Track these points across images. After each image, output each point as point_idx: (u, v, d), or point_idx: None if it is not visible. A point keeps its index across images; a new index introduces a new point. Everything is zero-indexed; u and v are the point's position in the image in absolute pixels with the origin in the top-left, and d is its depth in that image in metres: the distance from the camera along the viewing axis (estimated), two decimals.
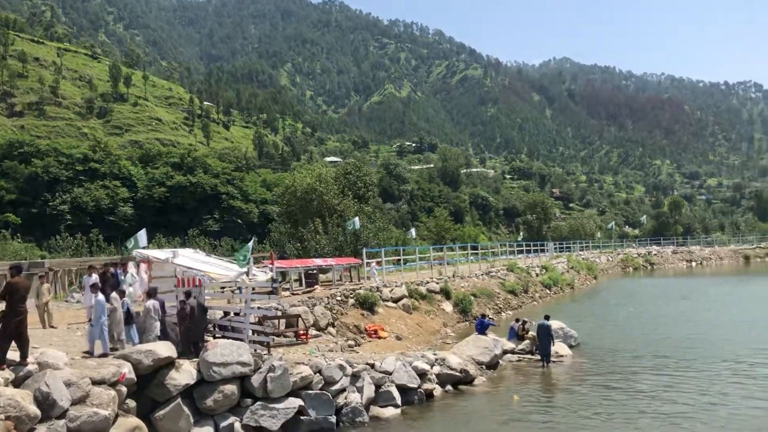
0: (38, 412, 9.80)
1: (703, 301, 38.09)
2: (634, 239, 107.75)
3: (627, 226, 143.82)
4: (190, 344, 14.54)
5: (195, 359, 13.36)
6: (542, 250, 58.99)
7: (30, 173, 66.96)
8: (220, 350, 13.30)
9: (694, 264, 78.88)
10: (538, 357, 21.12)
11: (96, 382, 11.13)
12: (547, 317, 21.17)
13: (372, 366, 15.74)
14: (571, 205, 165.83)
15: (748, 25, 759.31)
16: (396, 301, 27.29)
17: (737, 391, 16.13)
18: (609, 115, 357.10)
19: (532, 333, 22.48)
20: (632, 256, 77.91)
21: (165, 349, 12.73)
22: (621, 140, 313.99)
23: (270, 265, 23.11)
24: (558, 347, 21.60)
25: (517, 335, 22.72)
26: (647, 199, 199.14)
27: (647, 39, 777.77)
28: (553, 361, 20.65)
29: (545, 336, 20.23)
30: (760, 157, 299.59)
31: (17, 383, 10.34)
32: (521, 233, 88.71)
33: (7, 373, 10.37)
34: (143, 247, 20.52)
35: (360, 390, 14.82)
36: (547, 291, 42.98)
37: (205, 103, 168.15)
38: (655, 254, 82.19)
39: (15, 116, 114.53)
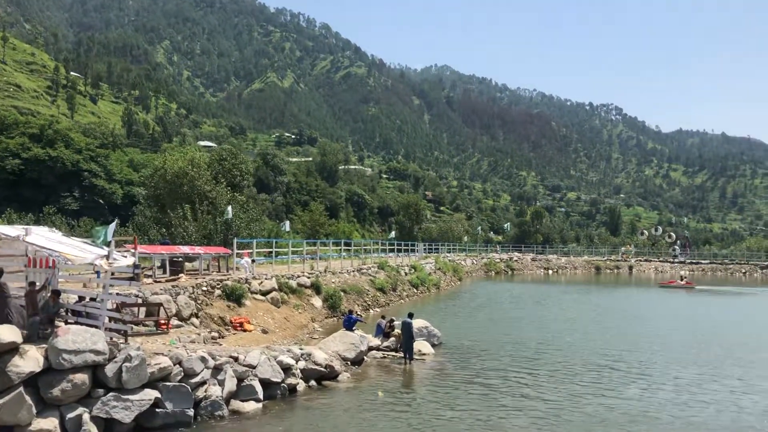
0: None
1: (557, 307, 40.59)
2: (498, 245, 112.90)
3: (492, 232, 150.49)
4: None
5: (44, 345, 12.44)
6: (412, 250, 60.44)
7: None
8: (72, 337, 12.46)
9: (550, 272, 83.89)
10: (401, 354, 21.65)
11: None
12: (410, 315, 21.66)
13: (235, 359, 15.38)
14: (441, 208, 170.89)
15: (614, 50, 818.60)
16: (265, 294, 26.87)
17: (586, 385, 17.31)
18: (483, 125, 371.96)
19: (397, 331, 22.94)
20: (495, 261, 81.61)
21: (8, 334, 11.75)
22: (492, 150, 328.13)
23: (132, 250, 22.00)
24: (421, 345, 22.19)
25: (383, 332, 23.09)
26: (512, 207, 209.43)
27: (522, 54, 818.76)
28: (416, 359, 21.19)
29: (408, 333, 20.73)
30: (615, 175, 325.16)
31: None
32: (393, 232, 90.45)
33: None
34: None
35: (221, 383, 14.43)
36: (415, 290, 44.07)
37: (71, 73, 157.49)
38: (516, 260, 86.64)
39: None
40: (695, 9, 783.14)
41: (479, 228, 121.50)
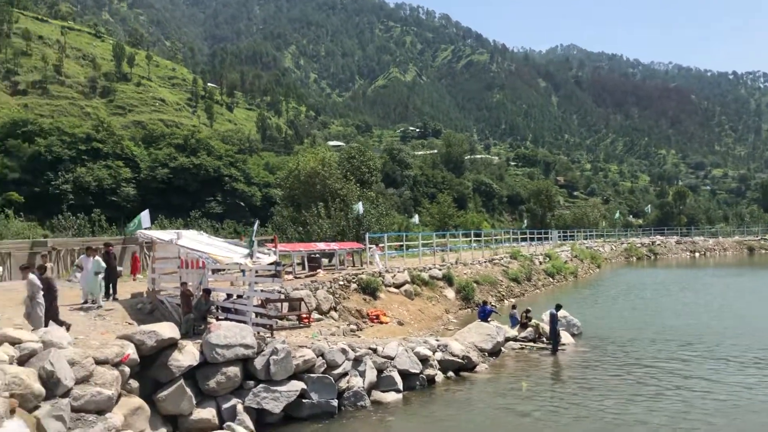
0: (43, 390, 9.81)
1: (705, 292, 38.02)
2: (638, 229, 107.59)
3: (631, 216, 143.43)
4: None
5: (198, 340, 13.38)
6: (546, 239, 58.92)
7: (33, 152, 66.86)
8: (224, 332, 13.30)
9: (697, 255, 78.76)
10: (541, 345, 21.26)
11: (99, 362, 11.13)
12: (558, 307, 21.23)
13: (374, 351, 15.75)
14: (575, 193, 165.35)
15: (758, 14, 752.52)
16: (398, 286, 27.29)
17: (737, 378, 16.12)
18: (615, 104, 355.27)
19: (535, 321, 22.50)
20: (636, 246, 77.78)
21: (168, 330, 12.73)
22: (627, 129, 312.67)
23: (273, 248, 23.10)
24: (562, 336, 21.62)
25: (519, 323, 22.72)
26: (652, 188, 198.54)
27: (655, 27, 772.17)
28: (557, 350, 20.71)
29: (553, 324, 20.36)
30: (766, 148, 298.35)
31: (22, 361, 10.34)
32: (525, 221, 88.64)
33: (12, 351, 10.37)
34: (146, 228, 20.47)
35: (362, 374, 14.84)
36: (551, 279, 42.97)
37: (208, 84, 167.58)
38: (658, 244, 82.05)
39: (18, 94, 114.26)
40: None
41: (617, 212, 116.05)
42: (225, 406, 12.72)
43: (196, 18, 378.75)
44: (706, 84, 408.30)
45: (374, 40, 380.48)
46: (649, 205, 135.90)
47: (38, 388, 9.73)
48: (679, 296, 36.22)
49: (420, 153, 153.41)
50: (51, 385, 9.99)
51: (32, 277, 13.24)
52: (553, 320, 20.52)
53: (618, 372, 17.62)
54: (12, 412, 9.07)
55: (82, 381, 10.63)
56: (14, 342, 10.68)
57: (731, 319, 26.63)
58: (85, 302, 16.90)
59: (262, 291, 17.85)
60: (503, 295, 34.30)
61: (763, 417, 13.39)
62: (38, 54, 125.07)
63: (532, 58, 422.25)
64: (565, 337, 21.80)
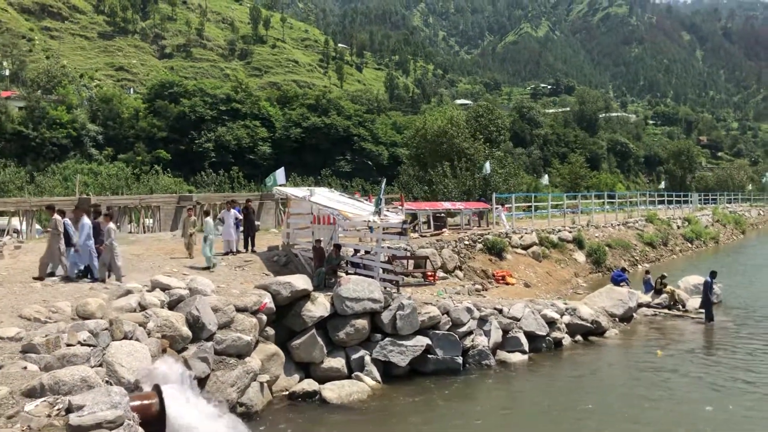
0: (190, 333, 10.64)
1: None
2: None
3: None
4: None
5: (329, 293, 13.93)
6: (685, 202, 55.58)
7: (178, 112, 71.22)
8: (353, 286, 13.74)
9: None
10: (677, 312, 20.34)
11: (239, 309, 11.89)
12: (713, 274, 19.91)
13: (500, 311, 15.69)
14: (719, 154, 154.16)
15: None
16: (525, 248, 26.85)
17: None
18: None
19: (670, 287, 21.43)
20: None
21: (302, 282, 13.33)
22: None
23: (400, 207, 23.41)
24: (696, 302, 20.45)
25: (654, 289, 21.71)
26: None
27: None
28: (693, 317, 19.68)
29: (706, 292, 19.31)
30: None
31: (171, 306, 11.25)
32: (663, 183, 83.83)
33: (163, 296, 11.31)
34: (281, 185, 21.38)
35: (487, 334, 14.86)
36: (689, 245, 40.60)
37: (339, 45, 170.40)
38: None
39: (165, 58, 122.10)
40: None
41: (767, 174, 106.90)
42: (354, 356, 13.22)
43: None
44: None
45: None
46: None
47: (186, 331, 10.56)
48: None
49: (551, 111, 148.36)
50: (197, 329, 10.80)
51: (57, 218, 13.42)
52: (708, 288, 19.28)
53: (757, 345, 16.47)
54: (163, 351, 9.93)
55: (224, 326, 11.41)
56: (165, 288, 11.64)
57: None
58: (227, 253, 18.07)
59: (389, 248, 18.21)
60: (637, 260, 32.87)
61: None
62: (182, 19, 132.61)
63: (675, 10, 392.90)
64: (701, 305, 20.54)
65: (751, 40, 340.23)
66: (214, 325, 11.14)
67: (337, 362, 13.03)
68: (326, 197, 17.97)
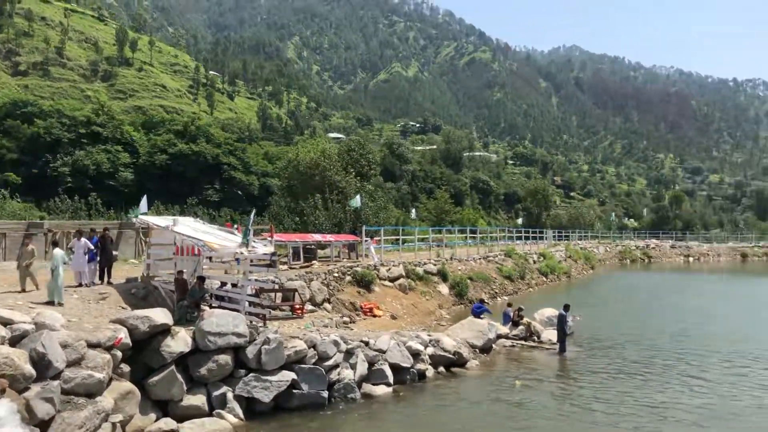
0: (33, 371, 9.83)
1: (697, 297, 38.19)
2: (633, 231, 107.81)
3: (627, 218, 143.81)
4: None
5: (191, 327, 13.41)
6: (541, 238, 59.04)
7: (32, 133, 66.58)
8: (216, 320, 13.34)
9: (691, 259, 78.99)
10: (532, 344, 21.37)
11: (91, 345, 11.15)
12: (566, 307, 20.97)
13: (366, 344, 15.80)
14: (572, 193, 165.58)
15: (759, 21, 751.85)
16: (393, 280, 27.35)
17: (726, 379, 16.22)
18: (615, 106, 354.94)
19: (527, 319, 22.58)
20: (630, 249, 77.97)
21: (162, 316, 12.76)
22: (626, 132, 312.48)
23: (269, 238, 23.12)
24: (551, 334, 21.67)
25: (512, 321, 22.78)
26: (648, 192, 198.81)
27: (657, 31, 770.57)
28: (546, 348, 20.79)
29: (561, 325, 20.37)
30: (764, 155, 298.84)
31: (13, 342, 10.35)
32: (520, 219, 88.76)
33: (4, 331, 10.38)
34: (143, 214, 20.44)
35: (353, 367, 14.89)
36: (544, 278, 43.09)
37: (210, 72, 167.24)
38: (653, 248, 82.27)
39: (19, 75, 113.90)
40: None
41: (613, 214, 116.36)
42: (215, 393, 12.76)
43: (200, 5, 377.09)
44: (706, 90, 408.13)
45: (378, 34, 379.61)
46: (645, 209, 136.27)
47: (29, 369, 9.75)
48: (672, 300, 36.35)
49: (419, 148, 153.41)
50: (42, 366, 10.01)
51: None
52: (562, 320, 20.41)
53: (609, 372, 17.70)
54: (2, 392, 9.09)
55: (73, 364, 10.65)
56: (6, 323, 10.69)
57: (723, 324, 26.77)
58: (79, 285, 16.93)
59: (256, 280, 17.85)
60: (496, 293, 34.41)
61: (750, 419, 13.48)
62: (40, 35, 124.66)
63: (534, 58, 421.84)
64: (554, 335, 21.82)
65: (600, 90, 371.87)
66: (62, 362, 10.37)
67: (198, 399, 12.52)
68: (191, 227, 17.40)
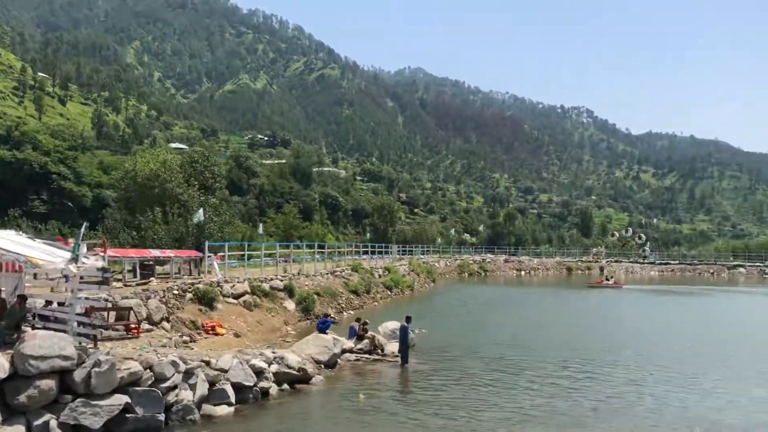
0: None
1: (530, 308, 40.97)
2: (472, 246, 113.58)
3: (465, 234, 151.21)
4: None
5: (9, 351, 12.21)
6: (386, 252, 60.48)
7: None
8: (39, 342, 12.25)
9: (523, 273, 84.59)
10: (377, 357, 21.72)
11: None
12: (407, 319, 21.58)
13: (207, 363, 15.26)
14: (416, 210, 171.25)
15: (584, 52, 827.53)
16: (237, 297, 26.69)
17: (562, 385, 17.50)
18: (456, 128, 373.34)
19: (371, 333, 22.96)
20: (468, 263, 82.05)
21: None
22: (465, 152, 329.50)
23: (102, 253, 21.70)
24: (394, 347, 22.18)
25: (357, 335, 23.05)
26: (485, 209, 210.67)
27: (494, 57, 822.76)
28: (389, 361, 21.24)
29: (403, 337, 20.81)
30: (587, 177, 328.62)
31: None
32: (368, 234, 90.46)
33: None
34: None
35: (193, 387, 14.30)
36: (389, 292, 44.11)
37: (39, 74, 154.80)
38: (489, 262, 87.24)
39: None
40: (664, 11, 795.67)
41: (452, 230, 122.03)
42: (37, 422, 11.69)
43: (29, 1, 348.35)
44: (538, 115, 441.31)
45: (225, 44, 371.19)
46: (482, 225, 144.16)
47: None
48: (507, 312, 38.69)
49: (268, 162, 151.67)
50: None
51: None
52: (404, 333, 20.92)
53: (449, 381, 18.44)
54: None
55: None
56: None
57: (551, 332, 28.90)
58: None
59: (86, 298, 16.65)
60: (343, 307, 34.68)
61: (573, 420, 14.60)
62: None
63: (381, 78, 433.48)
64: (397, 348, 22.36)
65: (442, 112, 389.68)
66: None
67: (16, 430, 11.40)
68: (11, 241, 15.89)
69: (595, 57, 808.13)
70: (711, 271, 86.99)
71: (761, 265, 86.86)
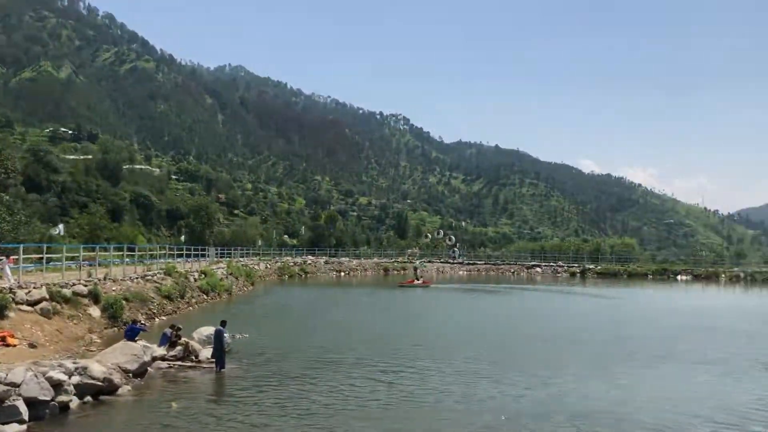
0: None
1: (348, 309, 41.91)
2: (293, 248, 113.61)
3: (286, 236, 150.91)
4: None
5: None
6: (203, 255, 58.65)
7: None
8: None
9: (342, 274, 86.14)
10: (191, 363, 21.01)
11: None
12: (223, 323, 21.07)
13: None
14: (236, 211, 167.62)
15: (402, 60, 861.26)
16: (34, 304, 24.38)
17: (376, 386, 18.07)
18: (278, 129, 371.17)
19: (185, 339, 22.14)
20: (289, 265, 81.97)
21: None
22: (287, 154, 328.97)
23: None
24: (209, 352, 21.57)
25: (169, 341, 22.09)
26: (307, 211, 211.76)
27: (317, 59, 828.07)
28: (204, 366, 20.64)
29: (219, 342, 20.25)
30: (403, 182, 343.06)
31: None
32: (183, 237, 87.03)
33: None
34: None
35: None
36: (205, 296, 42.78)
37: None
38: (310, 263, 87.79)
39: None
40: (470, 26, 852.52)
41: (274, 231, 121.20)
42: None
43: None
44: (358, 120, 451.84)
45: (23, 27, 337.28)
46: (304, 227, 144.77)
47: None
48: (324, 312, 39.19)
49: (72, 157, 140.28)
50: None
51: None
52: (219, 337, 20.39)
53: (268, 384, 18.31)
54: None
55: None
56: None
57: (366, 331, 29.77)
58: None
59: None
60: (155, 313, 33.05)
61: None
62: None
63: (200, 74, 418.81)
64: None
65: (264, 112, 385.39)
66: None
67: None
68: None
69: (410, 64, 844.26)
70: (512, 270, 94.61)
71: (554, 264, 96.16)
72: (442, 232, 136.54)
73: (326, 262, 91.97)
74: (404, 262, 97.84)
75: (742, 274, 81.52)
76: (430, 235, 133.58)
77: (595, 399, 17.24)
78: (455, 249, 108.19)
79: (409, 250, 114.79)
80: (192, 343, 22.29)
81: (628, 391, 18.29)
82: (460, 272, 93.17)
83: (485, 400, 17.00)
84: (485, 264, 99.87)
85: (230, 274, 54.77)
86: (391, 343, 26.16)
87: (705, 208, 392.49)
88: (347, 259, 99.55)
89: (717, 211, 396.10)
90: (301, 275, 79.67)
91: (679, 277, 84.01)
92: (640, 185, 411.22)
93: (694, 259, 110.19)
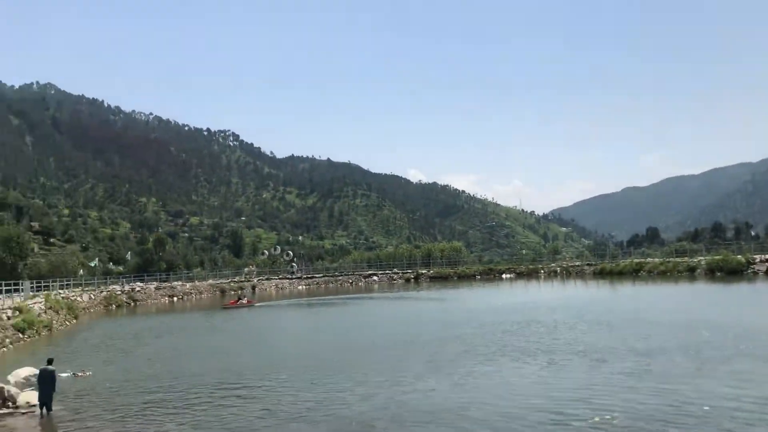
0: None
1: (184, 337, 40.43)
2: (119, 276, 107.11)
3: (111, 263, 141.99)
4: None
5: None
6: (17, 290, 53.61)
7: None
8: None
9: (176, 299, 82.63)
10: (6, 411, 19.25)
11: None
12: (50, 361, 19.24)
13: None
14: (52, 240, 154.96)
15: (224, 75, 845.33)
16: None
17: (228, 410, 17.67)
18: (96, 149, 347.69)
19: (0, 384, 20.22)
20: (116, 294, 77.21)
21: None
22: (107, 175, 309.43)
23: None
24: (29, 396, 19.86)
25: None
26: (132, 235, 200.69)
27: (136, 76, 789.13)
28: (25, 412, 19.00)
29: (47, 382, 18.53)
30: (236, 200, 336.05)
31: None
32: None
33: None
34: None
35: None
36: (21, 335, 39.15)
37: None
38: (138, 291, 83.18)
39: None
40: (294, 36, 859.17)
41: (95, 259, 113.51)
42: None
43: None
44: (184, 137, 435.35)
45: None
46: (130, 252, 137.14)
47: None
48: (155, 343, 37.49)
49: None
50: None
51: None
52: (44, 377, 18.59)
53: (99, 420, 17.22)
54: None
55: None
56: None
57: (196, 358, 28.98)
58: None
59: None
60: None
61: None
62: None
63: (3, 92, 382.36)
64: (33, 396, 20.07)
65: (79, 133, 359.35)
66: None
67: None
68: None
69: (235, 80, 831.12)
70: (350, 281, 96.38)
71: (390, 272, 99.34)
72: (279, 248, 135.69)
73: (157, 288, 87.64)
74: (241, 281, 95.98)
75: (558, 269, 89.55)
76: (267, 252, 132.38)
77: (439, 397, 18.19)
78: (293, 264, 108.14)
79: (246, 269, 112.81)
80: (8, 388, 20.37)
81: (467, 387, 19.49)
82: (299, 287, 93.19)
83: (323, 408, 17.30)
84: (324, 276, 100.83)
85: (50, 308, 50.56)
86: (228, 368, 25.70)
87: (522, 210, 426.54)
88: (180, 282, 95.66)
89: (533, 212, 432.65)
90: (129, 304, 75.32)
91: (504, 276, 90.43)
92: (463, 191, 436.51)
93: (516, 258, 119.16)
